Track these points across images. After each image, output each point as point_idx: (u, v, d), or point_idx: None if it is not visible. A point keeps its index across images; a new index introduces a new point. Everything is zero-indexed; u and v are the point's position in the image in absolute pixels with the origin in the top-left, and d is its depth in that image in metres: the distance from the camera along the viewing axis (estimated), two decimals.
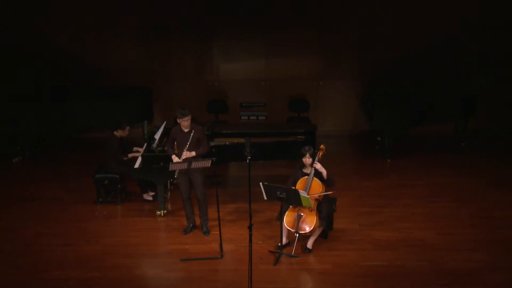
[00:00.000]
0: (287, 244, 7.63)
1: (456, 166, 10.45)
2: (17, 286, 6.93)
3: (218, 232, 7.50)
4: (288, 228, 7.49)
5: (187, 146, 7.67)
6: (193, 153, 7.71)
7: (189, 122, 7.68)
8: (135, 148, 9.15)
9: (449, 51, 11.74)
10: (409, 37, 11.71)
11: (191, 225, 8.14)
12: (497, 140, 11.69)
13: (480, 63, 11.87)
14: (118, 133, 8.92)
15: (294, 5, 11.67)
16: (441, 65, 11.79)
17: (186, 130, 7.72)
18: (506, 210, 8.69)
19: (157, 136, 9.04)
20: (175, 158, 7.75)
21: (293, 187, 7.52)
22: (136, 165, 8.65)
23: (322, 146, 7.76)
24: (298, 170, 7.71)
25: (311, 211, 7.43)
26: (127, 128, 8.96)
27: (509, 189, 9.38)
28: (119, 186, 8.91)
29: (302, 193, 7.21)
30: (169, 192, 9.27)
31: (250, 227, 6.55)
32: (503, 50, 11.82)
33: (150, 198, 9.09)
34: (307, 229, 7.39)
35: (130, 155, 8.98)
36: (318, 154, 7.63)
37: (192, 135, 7.68)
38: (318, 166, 7.54)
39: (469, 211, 8.67)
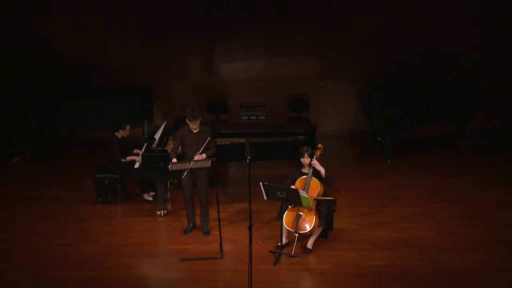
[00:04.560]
0: (287, 244, 7.63)
1: (456, 166, 10.45)
2: (17, 286, 6.93)
3: (218, 232, 7.50)
4: (288, 228, 7.49)
5: (201, 150, 7.66)
6: (204, 155, 7.69)
7: (198, 124, 7.68)
8: (135, 151, 9.12)
9: (449, 51, 11.74)
10: (409, 37, 11.71)
11: (191, 225, 8.14)
12: (497, 140, 11.69)
13: (480, 63, 11.87)
14: (119, 134, 8.92)
15: (294, 5, 11.67)
16: (441, 65, 11.79)
17: (195, 131, 7.72)
18: (506, 210, 8.69)
19: (157, 136, 9.03)
20: (174, 161, 7.69)
21: (292, 186, 7.53)
22: (136, 165, 8.66)
23: (320, 145, 7.77)
24: (296, 170, 7.72)
25: (311, 210, 7.43)
26: (128, 127, 8.96)
27: (509, 189, 9.38)
28: (119, 186, 8.91)
29: (302, 193, 7.21)
30: (169, 192, 9.27)
31: (250, 227, 6.55)
32: (503, 50, 11.83)
33: (150, 198, 9.09)
34: (307, 228, 7.39)
35: (128, 158, 8.93)
36: (316, 153, 7.64)
37: (202, 137, 7.70)
38: (316, 163, 7.54)
39: (469, 211, 8.67)
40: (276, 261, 7.31)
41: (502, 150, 11.20)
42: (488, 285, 6.88)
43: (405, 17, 11.64)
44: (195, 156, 7.61)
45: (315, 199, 7.49)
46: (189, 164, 7.50)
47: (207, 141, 7.67)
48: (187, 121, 7.69)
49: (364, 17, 11.71)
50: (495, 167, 10.36)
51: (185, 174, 7.64)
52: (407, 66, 11.79)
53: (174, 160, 7.69)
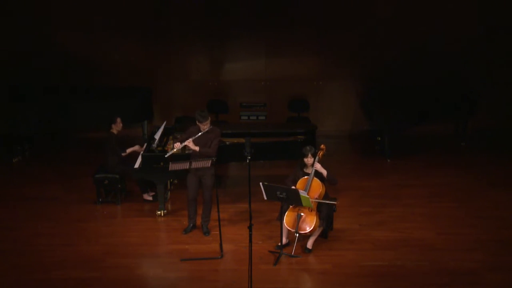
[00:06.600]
0: (287, 244, 7.63)
1: (456, 166, 10.45)
2: (17, 286, 6.93)
3: (218, 232, 7.50)
4: (288, 228, 7.49)
5: (195, 137, 7.67)
6: (197, 148, 7.71)
7: (208, 124, 7.71)
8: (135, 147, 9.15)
9: (450, 51, 11.74)
10: (410, 37, 11.70)
11: (192, 225, 8.14)
12: (497, 140, 11.70)
13: (480, 63, 11.87)
14: (114, 130, 8.93)
15: (294, 5, 11.67)
16: (442, 65, 11.79)
17: (204, 131, 7.75)
18: (506, 210, 8.69)
19: (157, 136, 9.03)
20: (176, 145, 7.75)
21: (293, 186, 7.52)
22: (136, 165, 8.65)
23: (322, 146, 7.76)
24: (299, 170, 7.71)
25: (311, 211, 7.43)
26: (118, 119, 8.94)
27: (508, 189, 9.39)
28: (119, 186, 8.91)
29: (302, 193, 7.21)
30: (169, 192, 9.27)
31: (250, 227, 6.55)
32: (503, 51, 11.83)
33: (150, 198, 9.09)
34: (307, 229, 7.39)
35: (129, 150, 9.01)
36: (318, 154, 7.63)
37: (209, 137, 7.73)
38: (318, 166, 7.54)
39: (469, 211, 8.67)
40: (276, 261, 7.31)
41: (502, 150, 11.20)
42: (488, 285, 6.87)
43: (405, 17, 11.64)
44: (185, 141, 7.65)
45: (315, 201, 7.48)
46: (189, 164, 7.50)
47: (205, 130, 7.68)
48: (197, 123, 7.71)
49: (364, 17, 11.70)
50: (495, 167, 10.37)
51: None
52: (407, 66, 11.79)
53: (177, 143, 7.75)
